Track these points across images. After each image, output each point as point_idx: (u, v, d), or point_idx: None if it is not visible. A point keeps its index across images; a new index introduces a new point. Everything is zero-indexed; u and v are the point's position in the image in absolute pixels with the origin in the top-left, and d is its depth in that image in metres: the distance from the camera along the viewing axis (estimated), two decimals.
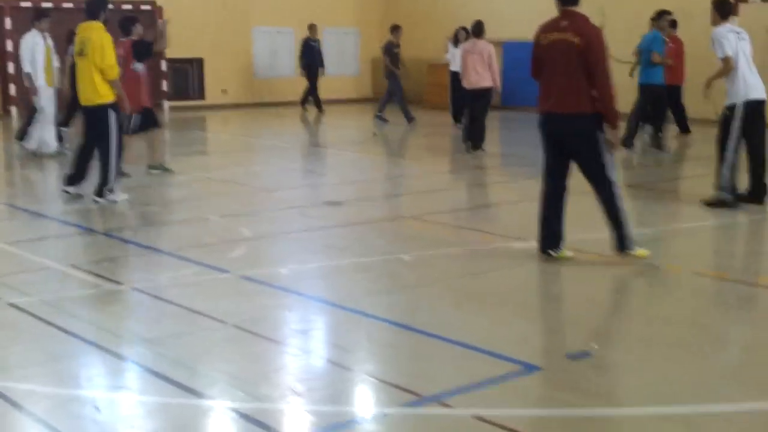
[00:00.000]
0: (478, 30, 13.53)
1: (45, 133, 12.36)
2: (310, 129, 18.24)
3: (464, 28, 15.62)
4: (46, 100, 12.25)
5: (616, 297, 6.58)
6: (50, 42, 12.41)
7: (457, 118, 16.35)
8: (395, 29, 18.21)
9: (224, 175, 11.17)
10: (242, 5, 21.66)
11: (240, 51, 21.61)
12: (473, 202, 10.22)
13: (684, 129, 15.25)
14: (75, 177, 9.52)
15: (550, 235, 6.89)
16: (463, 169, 12.90)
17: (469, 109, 13.48)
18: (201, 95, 21.43)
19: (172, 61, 20.17)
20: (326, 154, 14.13)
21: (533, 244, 7.04)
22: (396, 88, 17.74)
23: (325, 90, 22.32)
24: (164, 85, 20.54)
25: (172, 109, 20.30)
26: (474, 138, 13.28)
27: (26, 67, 12.24)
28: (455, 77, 15.97)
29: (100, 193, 9.19)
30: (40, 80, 12.20)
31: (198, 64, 21.15)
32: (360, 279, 6.62)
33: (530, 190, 10.71)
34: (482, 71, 13.17)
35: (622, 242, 6.70)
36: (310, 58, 19.97)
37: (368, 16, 22.98)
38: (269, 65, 22.51)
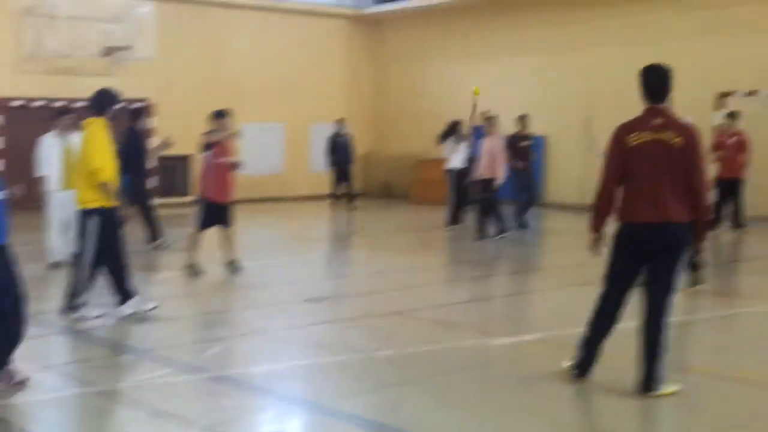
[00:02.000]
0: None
1: (54, 240, 11.15)
2: (295, 224, 18.19)
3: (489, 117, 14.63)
4: (57, 205, 11.05)
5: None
6: (73, 142, 10.72)
7: (456, 220, 15.48)
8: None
9: (206, 272, 11.03)
10: (231, 101, 21.87)
11: None
12: (459, 297, 10.09)
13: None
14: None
15: (588, 359, 6.19)
16: (450, 263, 12.84)
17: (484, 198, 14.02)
18: (187, 192, 21.46)
19: (161, 159, 20.24)
20: (311, 250, 14.05)
21: (517, 339, 6.92)
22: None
23: (312, 185, 22.48)
24: (155, 182, 20.57)
25: (161, 206, 20.27)
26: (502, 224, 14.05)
27: (41, 170, 11.29)
28: (456, 175, 15.41)
29: (69, 305, 8.17)
30: (51, 184, 11.14)
31: (184, 161, 21.24)
32: (338, 378, 6.46)
33: (518, 285, 10.74)
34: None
35: (649, 382, 5.88)
36: (339, 153, 19.76)
37: (357, 112, 23.22)
38: (257, 161, 22.61)
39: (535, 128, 19.74)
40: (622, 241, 6.00)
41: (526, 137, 15.65)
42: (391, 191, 23.64)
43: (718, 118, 15.88)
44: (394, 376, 6.47)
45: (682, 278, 5.90)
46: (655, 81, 6.07)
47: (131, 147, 12.42)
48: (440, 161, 20.00)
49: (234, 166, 11.05)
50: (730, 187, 14.55)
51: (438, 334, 7.87)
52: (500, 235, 13.91)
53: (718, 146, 14.66)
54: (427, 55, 23.17)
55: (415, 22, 23.42)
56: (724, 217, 14.58)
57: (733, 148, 14.62)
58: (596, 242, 6.17)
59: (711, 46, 17.98)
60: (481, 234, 14.00)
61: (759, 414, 5.71)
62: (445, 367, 6.69)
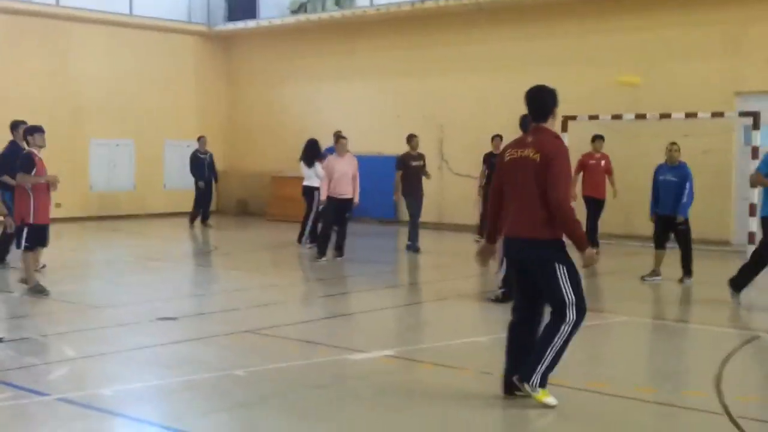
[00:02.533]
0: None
1: None
2: (149, 243, 17.74)
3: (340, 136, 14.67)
4: None
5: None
6: None
7: (315, 237, 15.14)
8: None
9: (53, 292, 10.59)
10: (77, 117, 21.17)
11: (76, 164, 20.98)
12: (315, 314, 10.08)
13: None
14: None
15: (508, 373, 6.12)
16: (306, 281, 12.81)
17: (336, 218, 14.04)
18: None
19: None
20: (164, 268, 13.73)
21: (372, 355, 6.95)
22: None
23: (167, 203, 22.04)
24: None
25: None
26: (341, 246, 14.04)
27: None
28: (314, 192, 15.40)
29: None
30: None
31: None
32: (191, 398, 6.32)
33: (373, 302, 10.82)
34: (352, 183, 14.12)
35: (530, 374, 5.92)
36: (200, 171, 19.52)
37: (211, 128, 22.87)
38: (107, 178, 21.96)
39: (389, 149, 20.10)
40: (507, 254, 6.30)
41: (416, 157, 15.77)
42: (247, 209, 23.43)
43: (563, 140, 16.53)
44: (249, 394, 6.39)
45: (569, 289, 5.84)
46: (536, 101, 6.26)
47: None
48: (297, 178, 19.99)
49: (50, 184, 10.52)
50: (593, 207, 15.32)
51: (294, 352, 7.83)
52: (319, 257, 13.81)
53: (580, 167, 15.34)
54: (281, 72, 23.17)
55: (267, 41, 23.39)
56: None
57: (596, 169, 15.37)
58: (482, 253, 6.39)
59: (557, 74, 18.74)
60: (338, 252, 14.03)
61: (622, 424, 5.91)
62: (300, 385, 6.66)
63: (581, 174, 15.49)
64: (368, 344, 7.98)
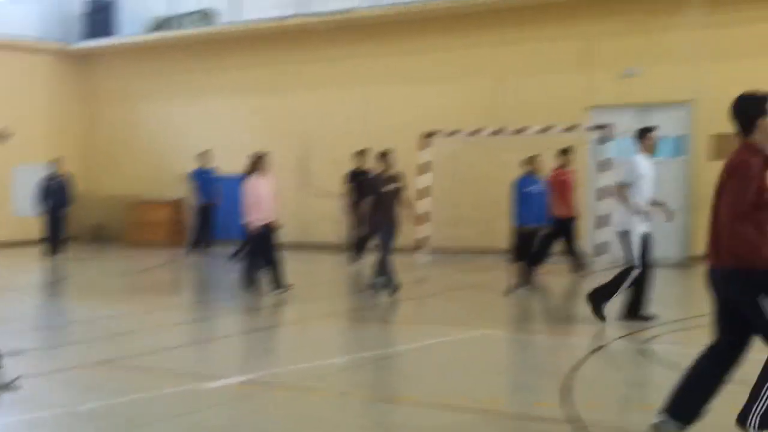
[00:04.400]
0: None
1: None
2: None
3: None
4: None
5: None
6: None
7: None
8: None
9: None
10: None
11: None
12: (173, 341, 9.77)
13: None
14: None
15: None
16: (163, 308, 12.45)
17: (267, 246, 12.49)
18: None
19: None
20: (10, 300, 13.09)
21: (230, 381, 6.77)
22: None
23: (16, 230, 21.16)
24: None
25: None
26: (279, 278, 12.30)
27: None
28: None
29: None
30: None
31: None
32: None
33: (233, 327, 10.61)
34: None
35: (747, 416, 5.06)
36: (53, 196, 18.42)
37: (66, 151, 22.03)
38: None
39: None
40: None
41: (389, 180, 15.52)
42: (103, 234, 22.69)
43: (424, 156, 16.75)
44: (95, 430, 6.11)
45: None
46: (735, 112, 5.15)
47: None
48: (157, 203, 19.61)
49: None
50: (564, 226, 13.99)
51: (147, 382, 7.55)
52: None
53: (560, 185, 13.93)
54: (141, 91, 22.66)
55: (127, 59, 22.83)
56: (558, 253, 14.18)
57: (568, 185, 14.11)
58: None
59: (416, 91, 19.01)
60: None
61: None
62: (151, 417, 6.41)
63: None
64: (223, 371, 7.79)
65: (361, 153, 16.13)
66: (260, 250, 12.44)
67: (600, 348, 8.66)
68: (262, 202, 12.30)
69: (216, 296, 13.20)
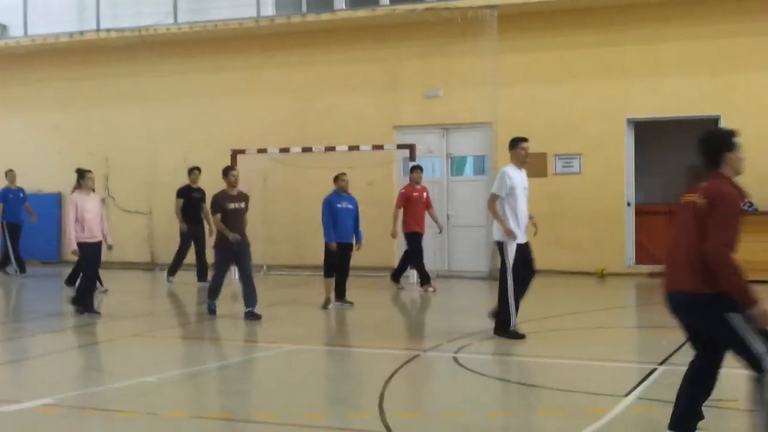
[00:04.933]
0: None
1: None
2: None
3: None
4: None
5: None
6: None
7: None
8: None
9: None
10: None
11: None
12: None
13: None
14: None
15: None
16: None
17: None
18: None
19: None
20: None
21: (28, 405, 6.40)
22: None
23: None
24: None
25: None
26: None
27: None
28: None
29: None
30: None
31: None
32: None
33: (39, 347, 10.06)
34: None
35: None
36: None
37: None
38: None
39: (50, 186, 19.03)
40: None
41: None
42: None
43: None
44: None
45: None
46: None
47: None
48: None
49: None
50: (415, 240, 14.57)
51: None
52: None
53: (406, 200, 14.56)
54: None
55: None
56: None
57: (420, 201, 14.60)
58: None
59: (226, 106, 18.85)
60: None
61: None
62: None
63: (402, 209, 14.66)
64: (24, 394, 7.36)
65: (193, 170, 15.99)
66: (91, 269, 12.13)
67: (413, 358, 8.85)
68: (87, 219, 11.81)
69: (26, 317, 12.48)
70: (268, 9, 18.92)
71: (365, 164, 16.55)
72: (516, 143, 9.75)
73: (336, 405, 7.14)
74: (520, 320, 9.60)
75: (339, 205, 12.48)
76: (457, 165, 17.99)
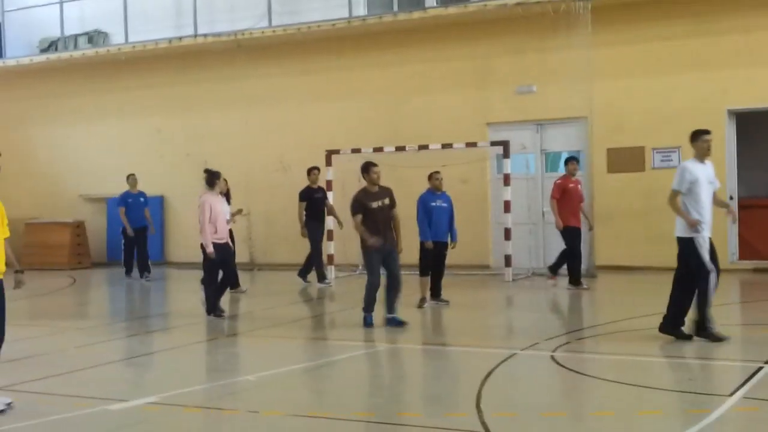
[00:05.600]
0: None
1: None
2: None
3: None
4: None
5: None
6: None
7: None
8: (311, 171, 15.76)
9: None
10: None
11: None
12: (65, 367, 9.50)
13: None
14: None
15: None
16: (64, 330, 12.09)
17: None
18: None
19: None
20: None
21: (134, 403, 6.59)
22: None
23: None
24: None
25: None
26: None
27: None
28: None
29: None
30: None
31: None
32: None
33: (137, 347, 10.38)
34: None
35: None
36: None
37: None
38: None
39: (153, 189, 19.58)
40: None
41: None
42: None
43: (329, 173, 16.78)
44: None
45: None
46: None
47: None
48: (53, 224, 19.11)
49: None
50: (571, 236, 14.09)
51: (52, 406, 7.31)
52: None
53: (563, 192, 13.99)
54: (30, 114, 22.09)
55: (14, 81, 22.14)
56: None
57: (576, 193, 14.10)
58: None
59: (319, 109, 19.07)
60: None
61: None
62: None
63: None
64: (130, 393, 7.61)
65: (313, 170, 15.80)
66: (216, 272, 12.08)
67: (509, 357, 8.79)
68: (219, 221, 11.94)
69: (126, 318, 12.89)
70: (360, 9, 19.05)
71: (459, 162, 16.50)
72: (698, 135, 9.40)
73: (432, 404, 7.15)
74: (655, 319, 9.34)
75: (433, 204, 12.48)
76: (551, 161, 17.78)
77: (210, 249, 11.79)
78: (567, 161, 14.48)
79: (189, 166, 19.42)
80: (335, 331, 11.46)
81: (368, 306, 10.85)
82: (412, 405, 7.17)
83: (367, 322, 10.75)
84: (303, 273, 15.96)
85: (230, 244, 12.61)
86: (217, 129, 20.03)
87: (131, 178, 17.84)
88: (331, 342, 10.64)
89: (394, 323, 10.74)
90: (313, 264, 15.68)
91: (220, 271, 12.12)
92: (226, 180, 12.34)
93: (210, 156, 20.00)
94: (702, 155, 9.33)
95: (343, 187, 15.51)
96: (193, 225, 17.45)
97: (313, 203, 15.58)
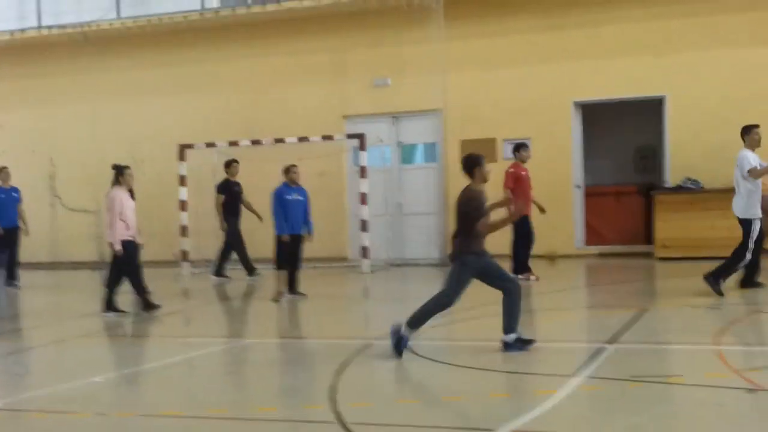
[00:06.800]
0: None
1: None
2: None
3: None
4: None
5: None
6: None
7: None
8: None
9: None
10: None
11: None
12: None
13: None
14: None
15: None
16: None
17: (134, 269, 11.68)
18: None
19: None
20: None
21: None
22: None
23: None
24: None
25: None
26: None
27: None
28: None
29: None
30: None
31: None
32: None
33: None
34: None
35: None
36: None
37: None
38: None
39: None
40: None
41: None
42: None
43: (182, 168, 16.44)
44: None
45: None
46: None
47: None
48: None
49: None
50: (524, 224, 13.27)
51: None
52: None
53: (515, 180, 13.30)
54: None
55: None
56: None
57: (527, 181, 13.44)
58: None
59: (170, 103, 18.66)
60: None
61: None
62: None
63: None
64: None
65: (232, 163, 15.44)
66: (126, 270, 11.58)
67: (365, 348, 8.83)
68: (129, 216, 11.48)
69: None
70: (213, 1, 18.75)
71: (316, 155, 16.49)
72: (750, 129, 10.95)
73: (289, 397, 7.10)
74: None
75: (289, 197, 12.42)
76: (407, 153, 18.00)
77: (118, 247, 11.32)
78: (518, 148, 13.56)
79: (34, 162, 18.66)
80: (191, 328, 11.22)
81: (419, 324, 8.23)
82: (267, 399, 7.10)
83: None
84: (218, 270, 15.28)
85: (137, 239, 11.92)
86: (64, 124, 19.32)
87: (4, 172, 15.93)
88: (186, 339, 10.42)
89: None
90: (240, 260, 15.10)
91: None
92: (132, 175, 11.77)
93: (57, 152, 19.32)
94: (753, 146, 10.92)
95: (197, 182, 15.26)
96: (40, 222, 16.86)
97: (232, 197, 15.17)
